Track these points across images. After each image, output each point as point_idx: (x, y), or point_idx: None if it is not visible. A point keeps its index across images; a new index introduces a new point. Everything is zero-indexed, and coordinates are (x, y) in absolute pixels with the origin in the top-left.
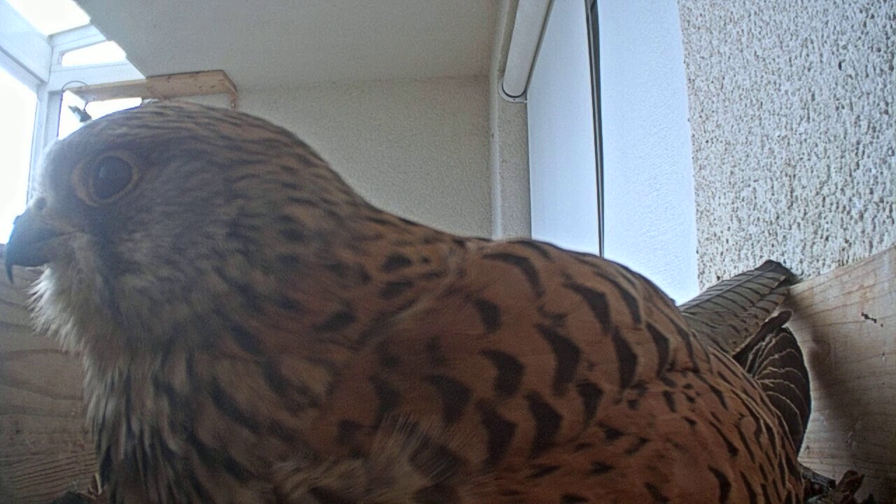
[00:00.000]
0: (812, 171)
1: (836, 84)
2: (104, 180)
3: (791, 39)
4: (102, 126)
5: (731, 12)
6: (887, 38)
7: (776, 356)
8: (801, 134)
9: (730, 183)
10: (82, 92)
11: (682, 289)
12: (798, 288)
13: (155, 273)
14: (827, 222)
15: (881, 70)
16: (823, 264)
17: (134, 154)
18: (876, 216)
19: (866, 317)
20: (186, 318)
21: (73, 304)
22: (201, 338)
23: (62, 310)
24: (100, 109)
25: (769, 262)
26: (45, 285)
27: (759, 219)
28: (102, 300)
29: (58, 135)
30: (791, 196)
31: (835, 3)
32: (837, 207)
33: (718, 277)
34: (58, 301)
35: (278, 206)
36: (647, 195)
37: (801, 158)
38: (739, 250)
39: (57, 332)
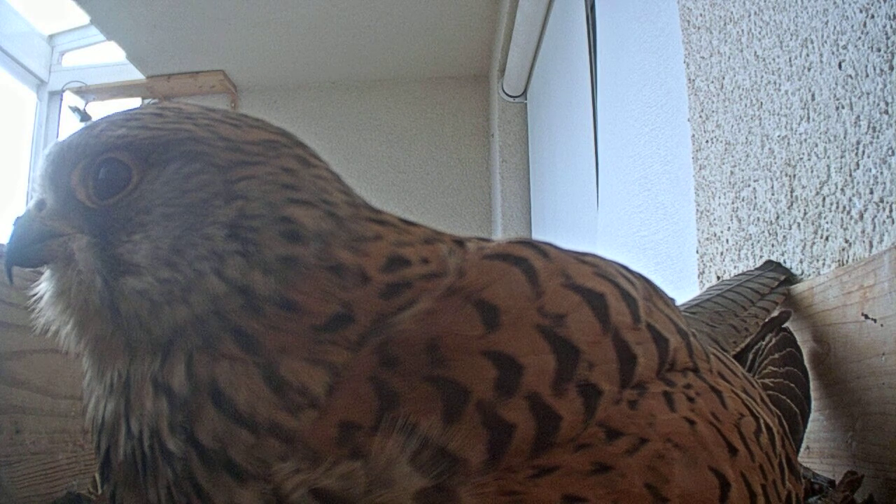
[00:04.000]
0: (812, 171)
1: (836, 84)
2: (104, 182)
3: (791, 39)
4: (102, 128)
5: (731, 12)
6: (887, 38)
7: (776, 356)
8: (801, 134)
9: (730, 183)
10: (82, 92)
11: (680, 289)
12: (798, 288)
13: (154, 275)
14: (827, 222)
15: (881, 70)
16: (823, 264)
17: (133, 155)
18: (876, 216)
19: (866, 317)
20: (186, 320)
21: (72, 305)
22: (201, 339)
23: (62, 311)
24: (100, 109)
25: (769, 261)
26: (44, 287)
27: (759, 219)
28: (102, 302)
29: (58, 135)
30: (791, 196)
31: (835, 3)
32: (837, 207)
33: (718, 277)
34: (57, 302)
35: (277, 208)
36: (637, 195)
37: (801, 158)
38: (739, 250)
39: (57, 333)
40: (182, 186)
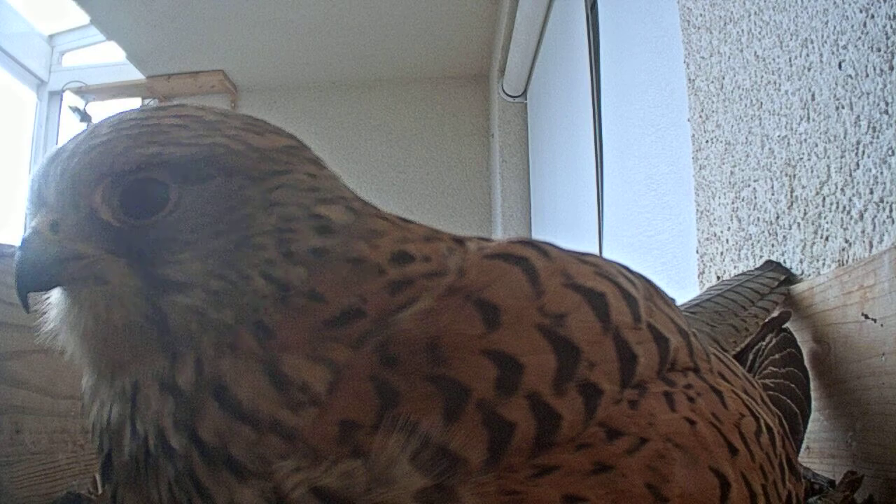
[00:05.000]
0: (812, 171)
1: (836, 84)
2: (138, 201)
3: (791, 39)
4: (125, 144)
5: (731, 12)
6: (887, 38)
7: (776, 356)
8: (801, 134)
9: (730, 183)
10: (82, 92)
11: (682, 289)
12: (798, 288)
13: (205, 288)
14: (827, 222)
15: (881, 70)
16: (823, 264)
17: (170, 173)
18: (876, 216)
19: (866, 317)
20: (225, 323)
21: (106, 326)
22: (216, 336)
23: (86, 334)
24: (100, 109)
25: (769, 261)
26: (62, 310)
27: (759, 219)
28: (149, 320)
29: (58, 135)
30: (791, 196)
31: (835, 3)
32: (837, 207)
33: (718, 277)
34: (81, 324)
35: (309, 208)
36: (644, 195)
37: (801, 158)
38: (739, 250)
39: (72, 355)
40: (226, 204)
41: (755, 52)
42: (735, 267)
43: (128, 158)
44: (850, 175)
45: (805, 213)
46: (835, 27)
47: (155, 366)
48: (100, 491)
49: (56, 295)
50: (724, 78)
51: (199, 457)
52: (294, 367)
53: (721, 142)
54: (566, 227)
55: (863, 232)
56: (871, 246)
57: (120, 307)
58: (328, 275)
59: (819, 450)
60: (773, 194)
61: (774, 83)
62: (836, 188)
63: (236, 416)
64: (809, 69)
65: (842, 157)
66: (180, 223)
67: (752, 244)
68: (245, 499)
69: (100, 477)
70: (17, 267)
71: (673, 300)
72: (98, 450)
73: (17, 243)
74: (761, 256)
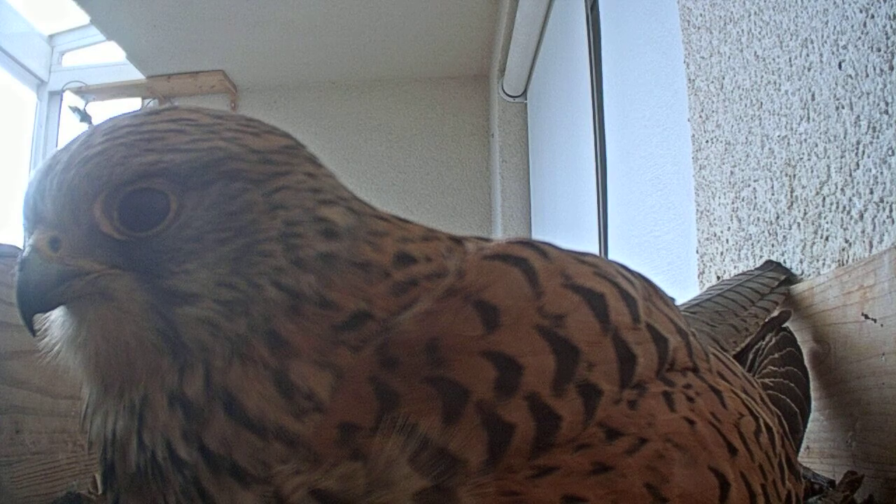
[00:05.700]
0: (812, 171)
1: (836, 84)
2: (139, 212)
3: (791, 39)
4: (122, 153)
5: (731, 12)
6: (887, 38)
7: (776, 355)
8: (801, 134)
9: (730, 183)
10: (82, 92)
11: (683, 289)
12: (798, 288)
13: (215, 299)
14: (827, 222)
15: (881, 70)
16: (823, 264)
17: (170, 182)
18: (876, 216)
19: (866, 317)
20: (239, 332)
21: (111, 343)
22: (228, 347)
23: (92, 353)
24: (100, 109)
25: (769, 261)
26: (66, 330)
27: (759, 219)
28: (161, 335)
29: (58, 135)
30: (791, 196)
31: (835, 3)
32: (837, 207)
33: (718, 277)
34: (88, 343)
35: (312, 210)
36: (650, 195)
37: (801, 158)
38: (739, 250)
39: (77, 373)
40: (228, 209)
41: (755, 52)
42: (735, 267)
43: (125, 168)
44: (850, 175)
45: (805, 213)
46: (835, 27)
47: (164, 379)
48: (100, 491)
49: (58, 313)
50: (724, 78)
51: (204, 465)
52: (301, 375)
53: (721, 142)
54: (566, 227)
55: (863, 232)
56: (871, 246)
57: (130, 323)
58: (337, 281)
59: (819, 450)
60: (773, 194)
61: (774, 83)
62: (836, 188)
63: (243, 423)
64: (809, 69)
65: (842, 157)
66: (183, 232)
67: (752, 244)
68: (246, 503)
69: (101, 483)
70: (19, 288)
71: (672, 300)
72: (101, 460)
73: (17, 245)
74: (761, 256)
